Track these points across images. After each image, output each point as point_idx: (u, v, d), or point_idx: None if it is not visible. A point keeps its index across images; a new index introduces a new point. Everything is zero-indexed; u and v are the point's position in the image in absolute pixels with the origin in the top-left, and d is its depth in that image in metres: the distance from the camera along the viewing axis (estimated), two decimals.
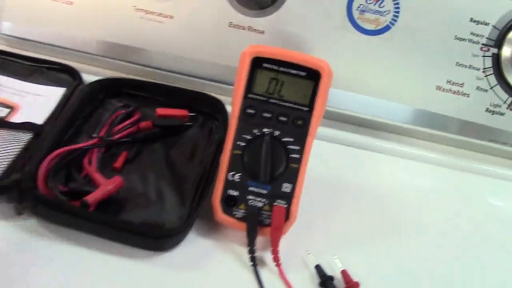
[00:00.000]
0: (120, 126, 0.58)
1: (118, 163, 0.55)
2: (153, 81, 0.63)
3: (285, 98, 0.51)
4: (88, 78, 0.63)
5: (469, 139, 0.65)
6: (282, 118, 0.50)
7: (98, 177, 0.52)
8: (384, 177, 0.62)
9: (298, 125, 0.50)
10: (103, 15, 0.64)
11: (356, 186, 0.60)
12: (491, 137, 0.64)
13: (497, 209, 0.61)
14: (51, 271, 0.47)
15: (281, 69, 0.50)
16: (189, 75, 0.65)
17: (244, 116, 0.51)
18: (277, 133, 0.50)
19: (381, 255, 0.53)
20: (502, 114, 0.63)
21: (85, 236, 0.49)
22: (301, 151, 0.50)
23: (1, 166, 0.51)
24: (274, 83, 0.50)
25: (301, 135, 0.50)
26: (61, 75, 0.63)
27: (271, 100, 0.51)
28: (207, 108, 0.62)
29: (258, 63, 0.50)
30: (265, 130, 0.50)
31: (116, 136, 0.57)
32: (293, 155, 0.50)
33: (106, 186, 0.50)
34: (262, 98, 0.51)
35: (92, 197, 0.49)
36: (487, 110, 0.63)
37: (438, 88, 0.63)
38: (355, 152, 0.65)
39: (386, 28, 0.62)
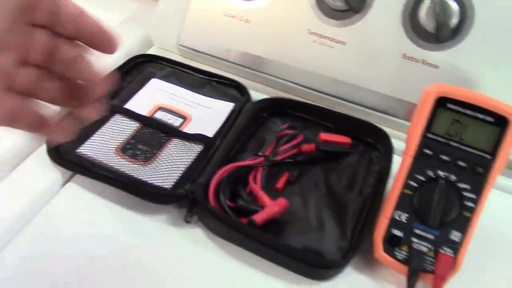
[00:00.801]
0: (285, 147, 0.59)
1: (280, 183, 0.56)
2: (317, 104, 0.63)
3: (467, 143, 0.48)
4: (254, 95, 0.65)
5: None
6: (461, 163, 0.48)
7: (263, 196, 0.53)
8: None
9: (478, 172, 0.48)
10: (277, 35, 0.66)
11: None
12: None
13: None
14: (210, 281, 0.48)
15: (467, 111, 0.48)
16: (354, 102, 0.64)
17: (420, 155, 0.49)
18: (453, 178, 0.48)
19: None
20: None
21: (245, 252, 0.50)
22: (476, 200, 0.48)
23: (176, 174, 0.54)
24: (456, 126, 0.48)
25: (479, 183, 0.48)
26: (230, 90, 0.66)
27: (451, 143, 0.48)
28: (370, 138, 0.61)
29: (442, 102, 0.48)
30: (441, 173, 0.48)
31: (280, 157, 0.58)
32: (467, 203, 0.48)
33: (272, 207, 0.51)
34: (441, 139, 0.49)
35: (259, 217, 0.50)
36: None
37: None
38: None
39: None
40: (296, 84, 0.66)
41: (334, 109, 0.62)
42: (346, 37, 0.63)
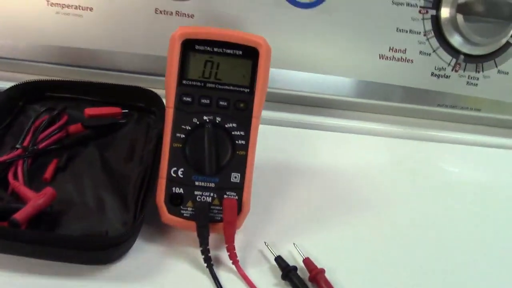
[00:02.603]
0: (46, 132, 0.52)
1: (48, 173, 0.50)
2: (78, 80, 0.57)
3: (223, 81, 0.46)
4: (4, 85, 0.57)
5: (417, 106, 0.63)
6: (222, 103, 0.46)
7: (26, 191, 0.46)
8: (334, 155, 0.60)
9: (241, 108, 0.47)
10: (13, 14, 0.58)
11: (307, 167, 0.57)
12: (439, 102, 0.63)
13: (452, 173, 0.60)
14: None
15: (215, 49, 0.46)
16: (119, 70, 0.60)
17: (180, 105, 0.46)
18: (218, 119, 0.46)
19: (341, 237, 0.50)
20: (447, 77, 0.61)
21: (18, 258, 0.43)
22: (247, 136, 0.47)
23: None
24: (209, 66, 0.46)
25: (245, 118, 0.47)
26: None
27: (209, 85, 0.46)
28: (141, 103, 0.57)
29: (189, 45, 0.46)
30: (205, 117, 0.46)
31: (43, 144, 0.51)
32: (238, 141, 0.47)
33: (36, 200, 0.45)
34: (198, 83, 0.46)
35: (21, 214, 0.43)
36: (432, 74, 0.61)
37: (381, 56, 0.61)
38: (301, 133, 0.62)
39: (321, 0, 0.59)
40: (51, 63, 0.60)
41: (96, 81, 0.57)
42: (91, 2, 0.58)
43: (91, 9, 0.58)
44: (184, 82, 0.46)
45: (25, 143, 0.51)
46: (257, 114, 0.47)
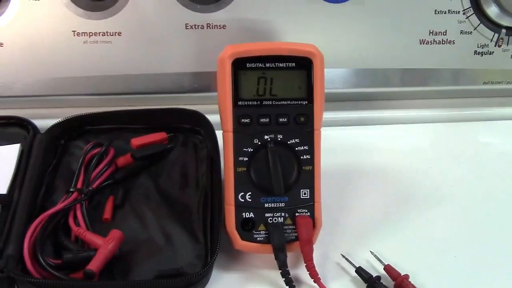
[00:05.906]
0: (98, 169, 0.51)
1: (107, 213, 0.48)
2: (117, 109, 0.55)
3: (279, 96, 0.45)
4: (42, 124, 0.55)
5: (463, 87, 0.61)
6: (282, 119, 0.45)
7: (93, 238, 0.44)
8: (389, 149, 0.58)
9: (301, 122, 0.45)
10: (41, 50, 0.55)
11: (364, 166, 0.56)
12: (484, 80, 0.61)
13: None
14: None
15: (267, 65, 0.44)
16: (157, 92, 0.58)
17: (239, 127, 0.44)
18: (280, 136, 0.45)
19: (416, 237, 0.49)
20: (491, 53, 0.60)
21: None
22: (311, 150, 0.45)
23: None
24: (263, 82, 0.45)
25: (307, 132, 0.45)
26: (10, 130, 0.54)
27: (265, 102, 0.45)
28: (186, 124, 0.55)
29: (240, 64, 0.44)
30: (266, 137, 0.45)
31: (96, 183, 0.50)
32: (303, 157, 0.45)
33: (106, 246, 0.43)
34: (254, 102, 0.45)
35: (95, 265, 0.42)
36: (475, 52, 0.59)
37: (422, 41, 0.58)
38: (349, 130, 0.60)
39: None
40: (84, 95, 0.58)
41: (136, 108, 0.55)
42: (119, 26, 0.55)
43: (119, 33, 0.56)
44: (239, 103, 0.44)
45: (79, 185, 0.49)
46: (318, 126, 0.45)
